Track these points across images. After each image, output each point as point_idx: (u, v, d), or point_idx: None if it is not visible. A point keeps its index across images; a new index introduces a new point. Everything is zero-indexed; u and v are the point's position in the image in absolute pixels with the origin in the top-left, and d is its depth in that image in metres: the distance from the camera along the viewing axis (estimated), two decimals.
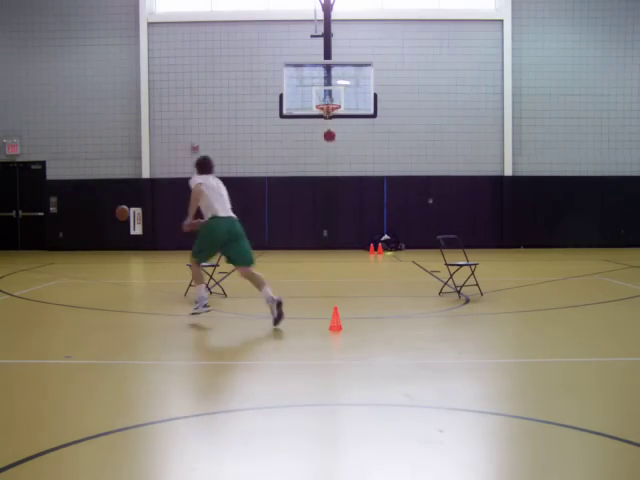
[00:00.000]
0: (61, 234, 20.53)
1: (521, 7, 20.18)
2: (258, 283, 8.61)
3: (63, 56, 20.46)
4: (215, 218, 8.73)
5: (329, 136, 14.41)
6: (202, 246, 8.88)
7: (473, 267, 10.91)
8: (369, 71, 15.34)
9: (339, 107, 15.09)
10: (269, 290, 8.49)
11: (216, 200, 8.77)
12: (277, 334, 8.30)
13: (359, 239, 20.24)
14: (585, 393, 5.86)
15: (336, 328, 8.13)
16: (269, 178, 20.41)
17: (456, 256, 11.58)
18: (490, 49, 20.26)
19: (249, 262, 8.77)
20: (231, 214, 8.88)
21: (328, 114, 15.11)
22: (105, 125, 20.47)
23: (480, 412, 5.25)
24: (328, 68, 15.31)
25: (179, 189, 20.33)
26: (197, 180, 8.79)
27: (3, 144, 20.61)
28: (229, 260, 8.95)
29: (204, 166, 9.09)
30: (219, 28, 20.36)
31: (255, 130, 20.35)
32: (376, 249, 19.51)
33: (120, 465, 4.28)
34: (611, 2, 20.20)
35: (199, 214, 8.94)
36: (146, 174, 20.45)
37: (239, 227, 8.83)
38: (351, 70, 15.82)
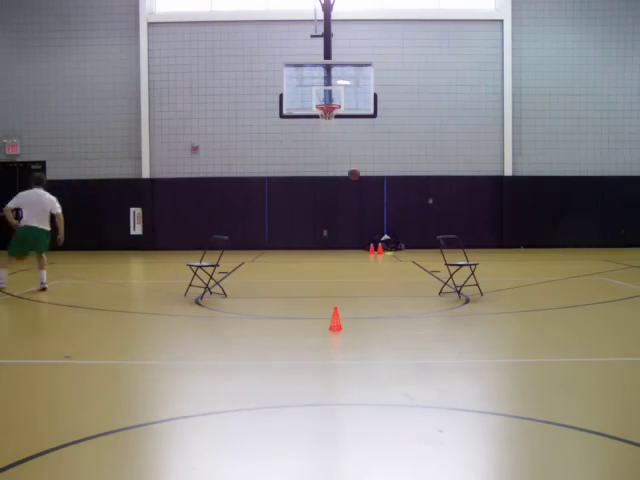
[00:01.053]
0: None
1: (521, 7, 20.18)
2: (42, 264, 11.67)
3: (63, 56, 20.46)
4: (26, 227, 11.60)
5: (355, 176, 14.88)
6: (15, 245, 11.73)
7: (473, 267, 10.90)
8: (369, 71, 15.32)
9: (339, 107, 15.08)
10: (44, 275, 11.60)
11: (29, 212, 11.58)
12: (277, 334, 8.31)
13: (359, 239, 20.24)
14: (585, 393, 5.86)
15: (336, 328, 8.13)
16: (269, 178, 20.41)
17: (456, 256, 11.57)
18: (490, 49, 20.26)
19: (44, 250, 11.81)
20: (37, 224, 11.63)
21: (328, 114, 15.11)
22: (105, 125, 20.47)
23: (480, 412, 5.25)
24: (328, 68, 15.30)
25: (179, 189, 20.42)
26: (17, 196, 11.82)
27: (3, 144, 20.61)
28: (32, 249, 11.78)
29: (33, 181, 11.96)
30: (219, 28, 20.36)
31: (255, 130, 20.35)
32: (376, 249, 19.51)
33: (120, 465, 4.28)
34: (611, 2, 20.20)
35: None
36: (146, 174, 20.45)
37: (42, 234, 11.72)
38: (351, 70, 15.79)
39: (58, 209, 11.85)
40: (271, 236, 20.47)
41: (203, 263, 11.13)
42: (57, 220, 11.84)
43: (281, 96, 15.33)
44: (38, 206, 11.61)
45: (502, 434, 4.89)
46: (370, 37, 20.14)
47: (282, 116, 15.62)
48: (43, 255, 11.79)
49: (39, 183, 11.90)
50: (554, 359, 6.95)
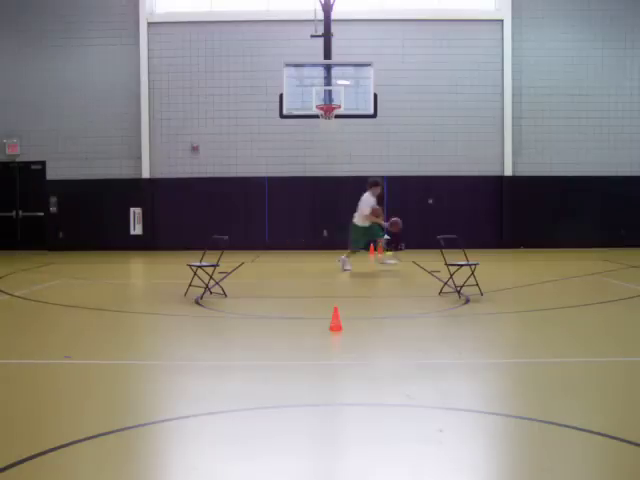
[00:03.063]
0: (61, 234, 20.51)
1: (521, 7, 20.17)
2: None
3: (63, 56, 20.44)
4: None
5: (395, 227, 15.60)
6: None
7: (473, 267, 10.90)
8: (369, 71, 15.32)
9: (339, 107, 15.08)
10: (345, 260, 14.32)
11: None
12: (277, 334, 8.31)
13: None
14: (585, 393, 5.86)
15: (336, 328, 8.13)
16: (269, 178, 20.41)
17: (456, 256, 11.56)
18: (490, 49, 20.24)
19: (353, 244, 14.64)
20: (355, 219, 14.49)
21: (328, 114, 15.11)
22: (105, 125, 20.45)
23: (480, 412, 5.25)
24: (328, 68, 15.30)
25: (179, 189, 20.41)
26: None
27: (3, 144, 20.59)
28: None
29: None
30: (219, 28, 20.35)
31: (255, 130, 20.33)
32: (376, 249, 19.48)
33: (120, 465, 4.28)
34: (611, 2, 20.19)
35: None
36: (146, 174, 20.44)
37: (354, 227, 14.46)
38: (351, 70, 15.80)
39: (364, 211, 14.12)
40: (271, 236, 20.46)
41: (203, 263, 11.13)
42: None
43: (281, 96, 15.33)
44: (358, 205, 14.13)
45: (502, 434, 4.89)
46: (370, 37, 20.12)
47: (282, 116, 15.62)
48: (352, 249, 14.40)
49: (368, 187, 14.40)
50: (554, 359, 6.95)
